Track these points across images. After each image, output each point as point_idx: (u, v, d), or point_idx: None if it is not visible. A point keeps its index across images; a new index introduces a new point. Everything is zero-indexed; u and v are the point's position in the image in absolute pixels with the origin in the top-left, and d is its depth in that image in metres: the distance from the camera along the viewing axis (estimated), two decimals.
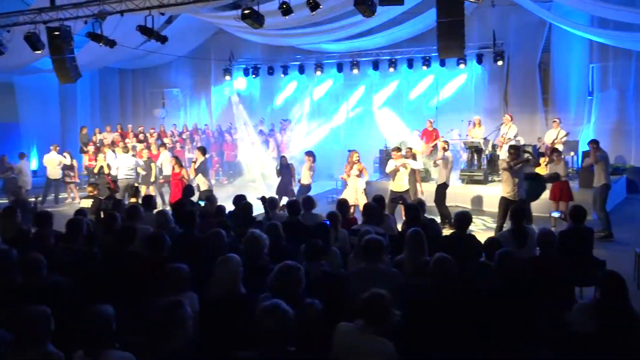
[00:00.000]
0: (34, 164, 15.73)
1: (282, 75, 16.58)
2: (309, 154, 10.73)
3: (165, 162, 12.42)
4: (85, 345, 2.87)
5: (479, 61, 14.14)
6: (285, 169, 10.91)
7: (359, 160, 9.59)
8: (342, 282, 4.07)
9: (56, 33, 9.60)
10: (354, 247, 5.14)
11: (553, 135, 11.82)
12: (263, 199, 7.09)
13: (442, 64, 14.37)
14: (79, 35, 10.38)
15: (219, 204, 7.30)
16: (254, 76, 16.88)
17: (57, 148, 13.48)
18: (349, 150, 10.27)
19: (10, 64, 12.93)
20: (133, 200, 7.92)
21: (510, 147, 8.72)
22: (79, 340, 2.91)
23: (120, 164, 11.53)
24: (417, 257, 4.36)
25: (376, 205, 6.34)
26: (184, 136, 16.71)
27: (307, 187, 10.52)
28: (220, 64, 17.43)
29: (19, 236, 5.51)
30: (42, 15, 9.58)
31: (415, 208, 6.08)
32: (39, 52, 10.06)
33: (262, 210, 7.15)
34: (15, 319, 2.93)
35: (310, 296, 3.39)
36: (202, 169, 10.20)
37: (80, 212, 6.46)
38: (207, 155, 11.06)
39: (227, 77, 17.21)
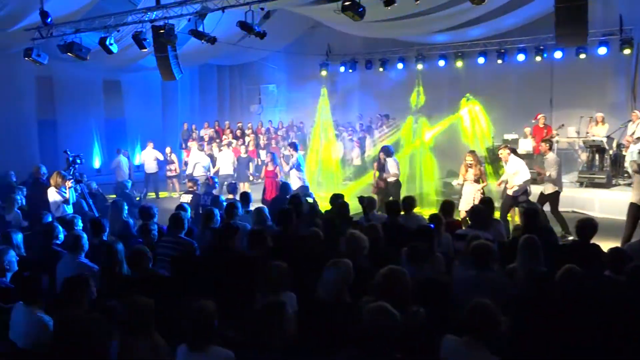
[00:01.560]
0: (137, 159, 16.41)
1: (381, 69, 15.93)
2: (383, 149, 10.03)
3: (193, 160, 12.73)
4: (188, 339, 2.88)
5: (603, 50, 12.56)
6: (380, 166, 10.34)
7: (475, 164, 8.38)
8: (446, 290, 3.92)
9: (161, 31, 9.77)
10: (459, 253, 4.89)
11: None
12: (361, 198, 6.81)
13: (560, 54, 13.08)
14: (181, 32, 10.53)
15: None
16: (351, 70, 16.42)
17: (152, 144, 14.02)
18: (469, 151, 8.94)
19: (118, 62, 13.51)
20: (230, 196, 8.04)
21: None
22: (181, 333, 2.93)
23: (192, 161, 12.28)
24: (531, 266, 3.99)
25: (484, 209, 5.86)
26: (279, 132, 16.68)
27: (394, 184, 9.76)
28: (316, 58, 17.04)
29: (125, 229, 5.93)
30: (148, 15, 9.80)
31: (534, 213, 5.55)
32: (145, 50, 10.31)
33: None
34: (123, 308, 3.10)
35: (412, 302, 3.28)
36: (295, 166, 10.18)
37: (181, 207, 6.62)
38: (301, 152, 10.88)
39: (324, 72, 16.85)
